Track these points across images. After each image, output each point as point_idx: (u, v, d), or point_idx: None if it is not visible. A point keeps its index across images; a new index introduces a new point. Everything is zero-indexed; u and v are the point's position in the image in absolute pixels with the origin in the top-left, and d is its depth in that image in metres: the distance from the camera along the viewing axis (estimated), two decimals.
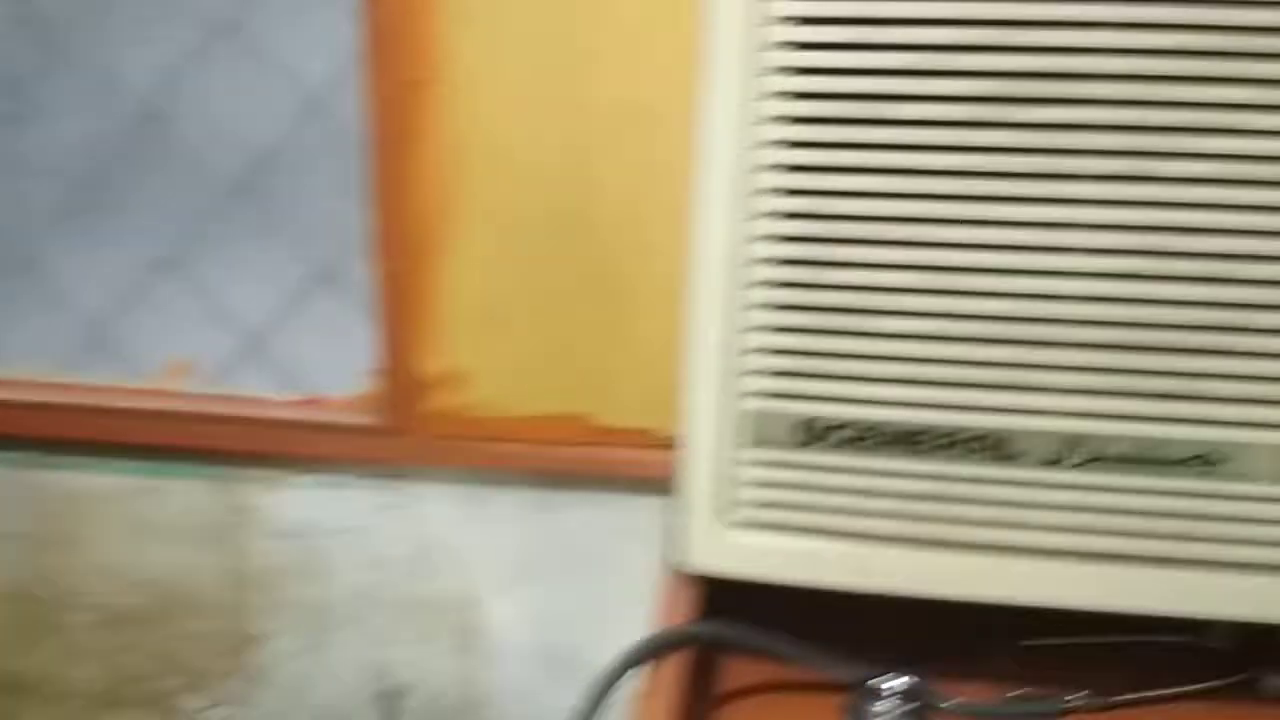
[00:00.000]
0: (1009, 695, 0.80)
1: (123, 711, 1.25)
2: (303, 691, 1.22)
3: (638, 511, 1.09)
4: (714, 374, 0.78)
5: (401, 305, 1.07)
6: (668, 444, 0.83)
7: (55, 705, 1.26)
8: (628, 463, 1.06)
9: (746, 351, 0.76)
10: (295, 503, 1.16)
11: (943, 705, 0.76)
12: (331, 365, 1.14)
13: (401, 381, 1.09)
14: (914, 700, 0.75)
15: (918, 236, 0.72)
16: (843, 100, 0.69)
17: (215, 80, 1.07)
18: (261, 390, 1.15)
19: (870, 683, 0.75)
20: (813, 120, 0.71)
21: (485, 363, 1.07)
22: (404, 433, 1.10)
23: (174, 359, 1.16)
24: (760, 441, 0.78)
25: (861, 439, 0.77)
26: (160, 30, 1.05)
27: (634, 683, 0.76)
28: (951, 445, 0.76)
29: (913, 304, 0.74)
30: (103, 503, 1.19)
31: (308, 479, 1.16)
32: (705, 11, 0.70)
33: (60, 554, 1.21)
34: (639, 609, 1.01)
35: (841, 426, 0.77)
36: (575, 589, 1.14)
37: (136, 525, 1.19)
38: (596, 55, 0.94)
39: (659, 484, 0.95)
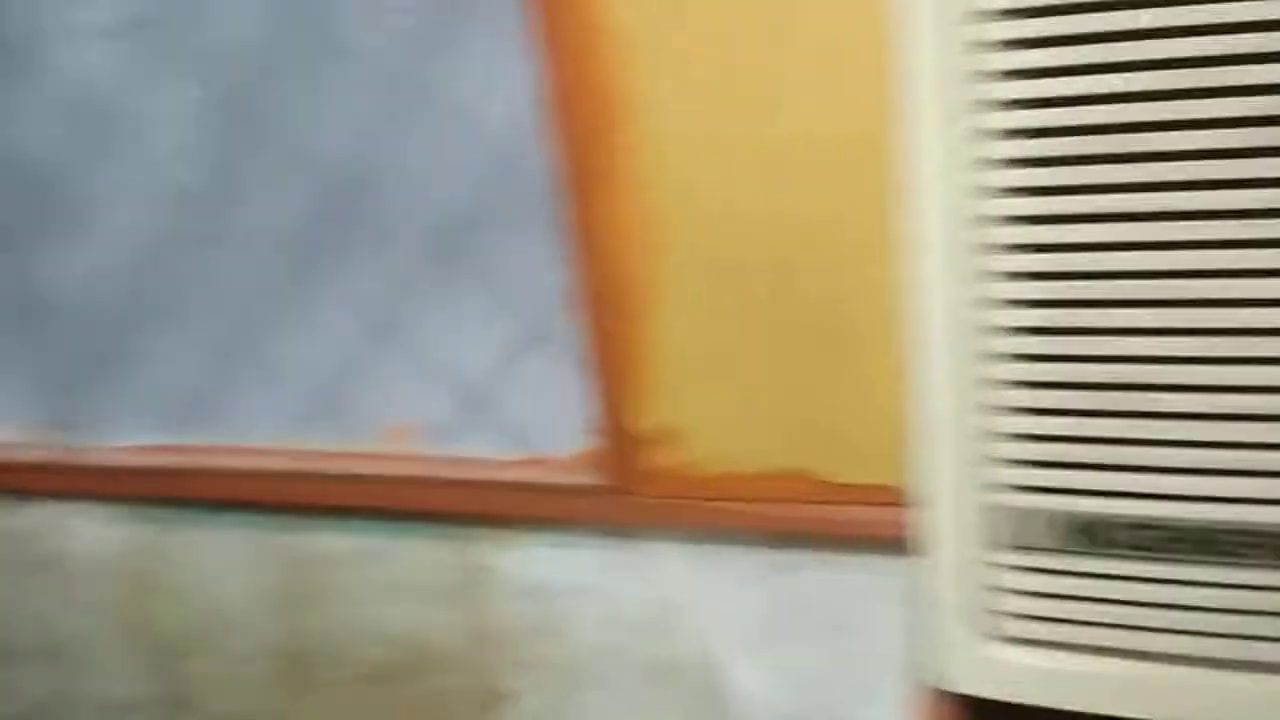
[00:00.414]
0: None
1: None
2: None
3: (881, 572, 0.96)
4: (953, 462, 0.65)
5: (612, 360, 0.99)
6: (908, 501, 0.71)
7: None
8: (865, 522, 0.94)
9: (993, 437, 0.63)
10: (528, 562, 1.13)
11: None
12: (550, 422, 1.08)
13: (619, 439, 1.02)
14: None
15: (1200, 293, 0.56)
16: (1083, 134, 0.54)
17: (406, 143, 1.02)
18: (484, 450, 1.11)
19: None
20: (1049, 161, 0.56)
21: (702, 418, 0.98)
22: (627, 492, 1.03)
23: (396, 423, 1.14)
24: (1020, 543, 0.64)
25: (1146, 540, 0.62)
26: (346, 99, 1.02)
27: None
28: (1259, 547, 0.59)
29: (1204, 375, 0.58)
30: (345, 564, 1.20)
31: (538, 538, 1.11)
32: (903, 34, 0.56)
33: (314, 614, 1.24)
34: (887, 674, 0.90)
35: (1120, 525, 0.62)
36: (820, 652, 1.03)
37: (379, 585, 1.20)
38: (788, 89, 0.81)
39: (902, 544, 0.83)
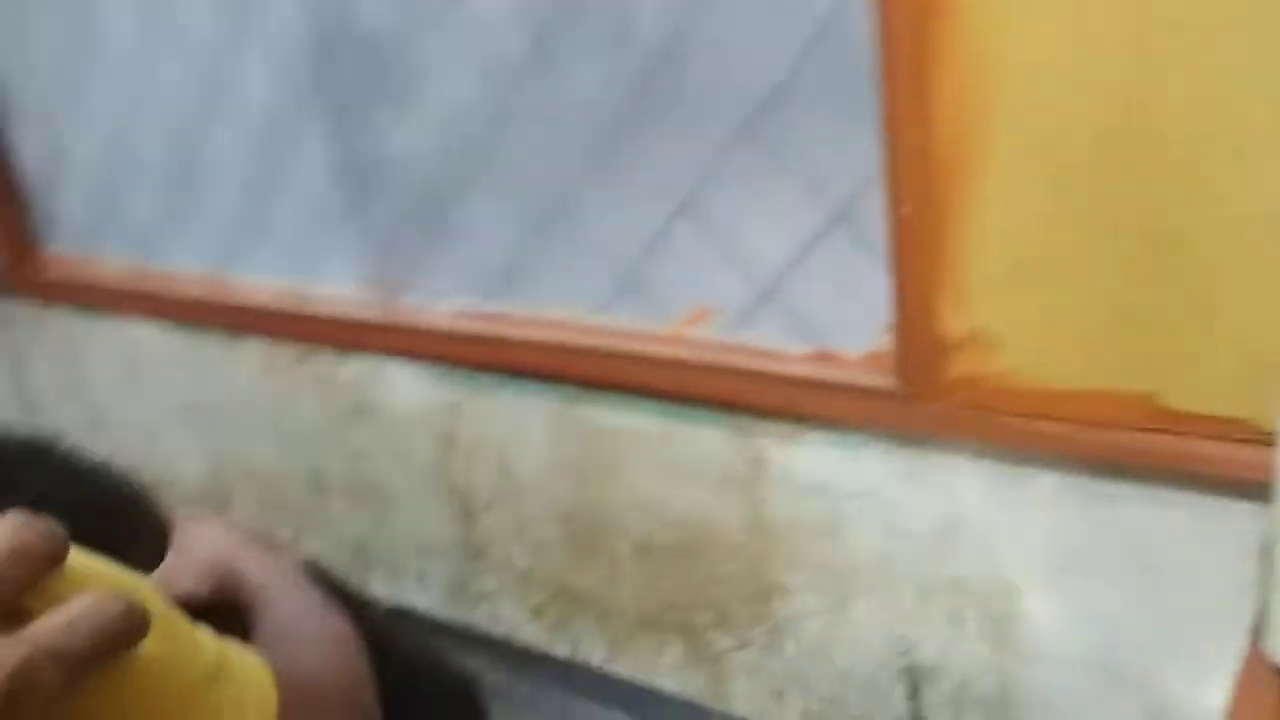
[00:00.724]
0: None
1: (658, 635, 1.30)
2: (825, 651, 1.17)
3: (1218, 517, 0.86)
4: None
5: (920, 253, 0.92)
6: (1266, 440, 0.62)
7: (602, 618, 1.35)
8: (1208, 457, 0.83)
9: None
10: (811, 460, 1.09)
11: None
12: (846, 316, 1.03)
13: (920, 341, 0.95)
14: None
15: None
16: None
17: (722, 17, 0.98)
18: (775, 341, 1.08)
19: None
20: None
21: (1021, 324, 0.89)
22: (925, 398, 0.97)
23: (695, 305, 1.13)
24: None
25: None
26: None
27: None
28: None
29: None
30: (634, 441, 1.22)
31: (823, 437, 1.08)
32: None
33: (601, 486, 1.27)
34: (1209, 634, 0.81)
35: None
36: (1134, 595, 0.94)
37: (663, 465, 1.21)
38: None
39: (1253, 487, 0.74)
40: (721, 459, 1.16)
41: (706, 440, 1.16)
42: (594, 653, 1.38)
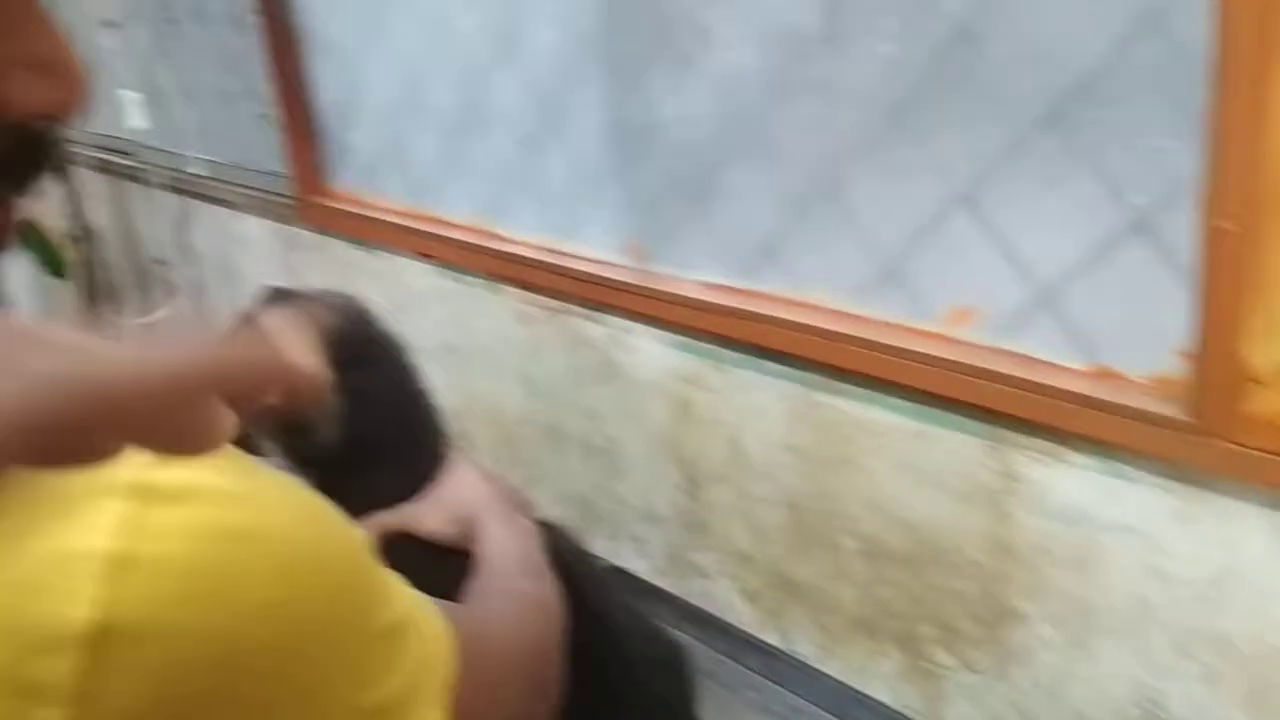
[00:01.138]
0: None
1: (875, 641, 1.26)
2: (1058, 688, 1.09)
3: None
4: None
5: (1231, 274, 0.83)
6: None
7: (818, 613, 1.31)
8: None
9: None
10: (1072, 483, 1.02)
11: None
12: (1131, 334, 0.95)
13: (1219, 370, 0.86)
14: None
15: None
16: None
17: None
18: (1047, 351, 1.01)
19: None
20: None
21: None
22: (1216, 434, 0.88)
23: (960, 304, 1.07)
24: None
25: None
26: None
27: None
28: None
29: None
30: (875, 436, 1.17)
31: (1088, 460, 1.00)
32: None
33: (834, 476, 1.23)
34: None
35: None
36: None
37: (904, 465, 1.15)
38: None
39: None
40: (971, 468, 1.09)
41: (957, 446, 1.10)
42: (805, 647, 1.35)
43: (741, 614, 1.42)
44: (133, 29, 2.20)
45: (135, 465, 0.36)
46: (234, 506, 0.39)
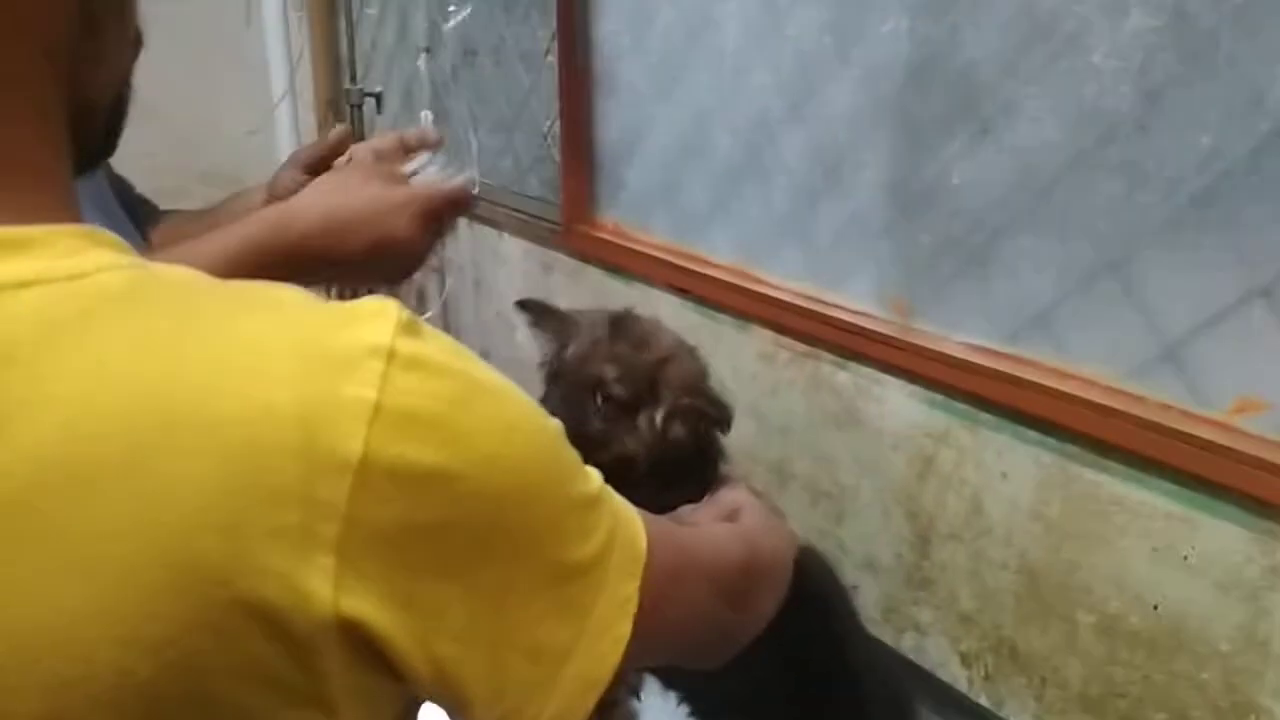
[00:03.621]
0: None
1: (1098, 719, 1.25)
2: None
3: None
4: None
5: None
6: None
7: (1040, 685, 1.32)
8: None
9: None
10: None
11: None
12: None
13: None
14: None
15: None
16: None
17: None
18: None
19: None
20: None
21: None
22: None
23: (1245, 394, 1.08)
24: None
25: None
26: None
27: None
28: None
29: None
30: (1132, 515, 1.18)
31: None
32: None
33: (1080, 549, 1.24)
34: None
35: None
36: None
37: (1162, 549, 1.16)
38: None
39: None
40: (1233, 559, 1.10)
41: (1221, 535, 1.10)
42: (1019, 716, 1.35)
43: (956, 675, 1.43)
44: (437, 56, 2.42)
45: (386, 330, 0.45)
46: (469, 377, 0.48)
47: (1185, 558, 1.14)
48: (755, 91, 1.62)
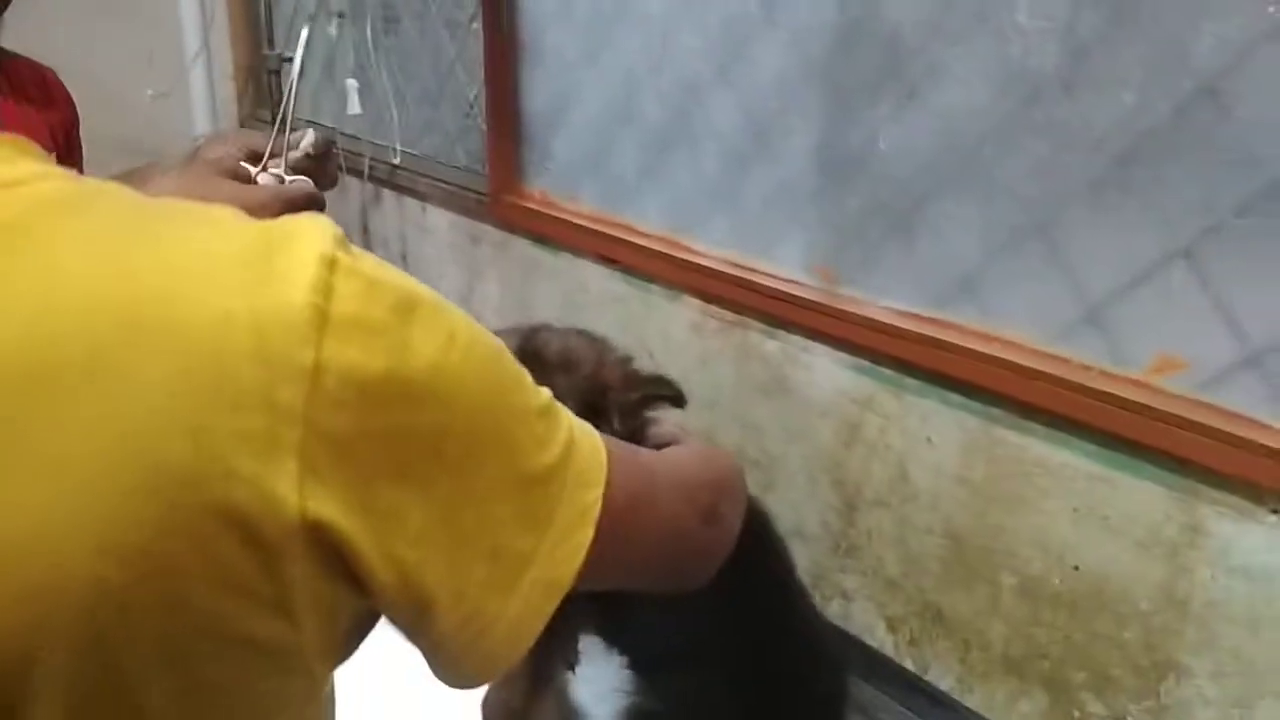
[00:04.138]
0: None
1: (1021, 681, 1.26)
2: None
3: None
4: None
5: None
6: None
7: (964, 647, 1.33)
8: None
9: None
10: (1261, 542, 1.02)
11: None
12: None
13: None
14: None
15: None
16: None
17: None
18: (1251, 409, 1.02)
19: None
20: None
21: None
22: None
23: (1165, 354, 1.09)
24: None
25: None
26: (1236, 4, 0.96)
27: None
28: None
29: None
30: (1055, 476, 1.19)
31: (1277, 519, 1.01)
32: None
33: (1003, 512, 1.25)
34: None
35: None
36: None
37: (1084, 510, 1.17)
38: None
39: None
40: (1152, 518, 1.11)
41: (1141, 495, 1.11)
42: (945, 679, 1.36)
43: (883, 640, 1.43)
44: (357, 22, 2.36)
45: (326, 242, 0.45)
46: (405, 287, 0.48)
47: (1106, 518, 1.15)
48: (683, 55, 1.59)
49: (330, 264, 0.45)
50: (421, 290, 0.50)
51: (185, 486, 0.42)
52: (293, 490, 0.43)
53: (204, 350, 0.42)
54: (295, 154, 0.83)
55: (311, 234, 0.47)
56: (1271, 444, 1.00)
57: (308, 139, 0.83)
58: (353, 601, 0.48)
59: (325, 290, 0.45)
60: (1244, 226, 1.01)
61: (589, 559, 0.55)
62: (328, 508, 0.44)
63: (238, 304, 0.43)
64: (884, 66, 1.30)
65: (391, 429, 0.46)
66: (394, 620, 0.52)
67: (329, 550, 0.45)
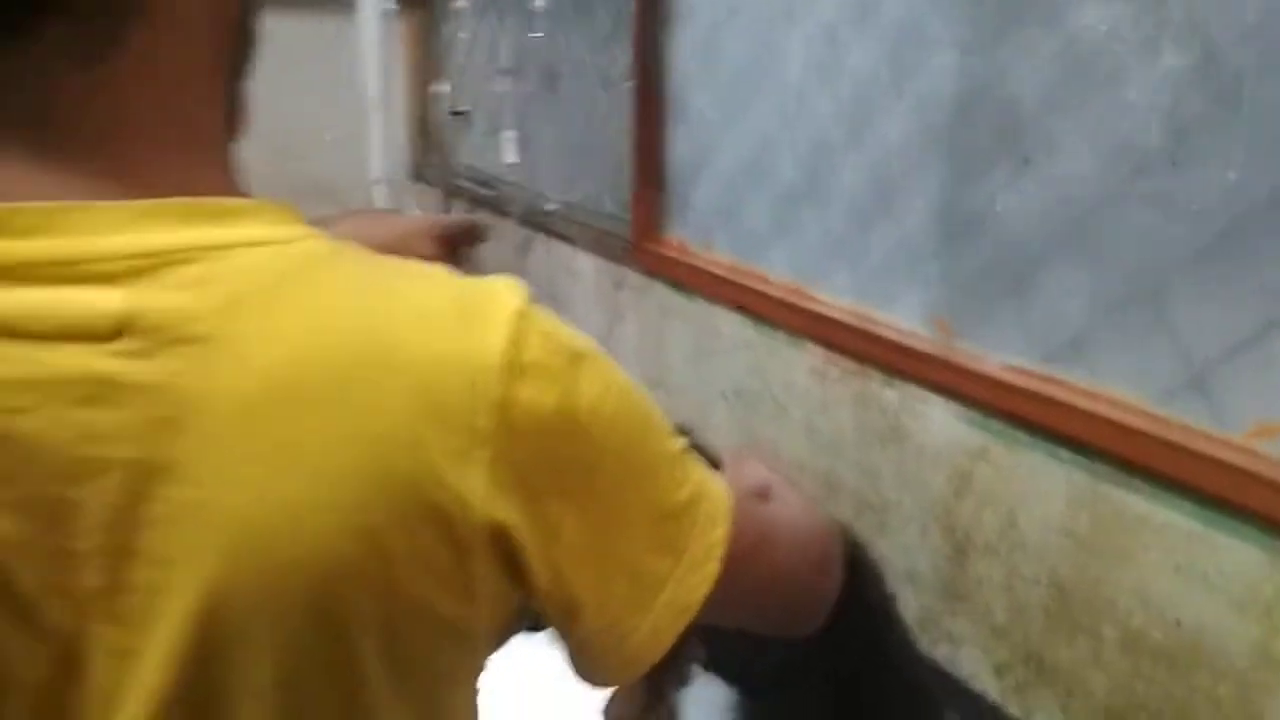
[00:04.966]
0: None
1: None
2: None
3: None
4: None
5: None
6: None
7: (1066, 697, 1.36)
8: None
9: None
10: None
11: None
12: None
13: None
14: None
15: None
16: None
17: None
18: None
19: None
20: None
21: None
22: None
23: (1266, 420, 1.13)
24: None
25: None
26: None
27: None
28: None
29: None
30: (1157, 534, 1.23)
31: None
32: None
33: (1107, 567, 1.29)
34: None
35: None
36: None
37: (1183, 567, 1.21)
38: None
39: None
40: (1250, 578, 1.14)
41: (1239, 554, 1.15)
42: None
43: (988, 685, 1.48)
44: (520, 77, 2.54)
45: (518, 300, 0.59)
46: (577, 344, 0.61)
47: (1205, 575, 1.18)
48: (816, 119, 1.70)
49: (521, 317, 0.58)
50: (590, 345, 0.63)
51: (406, 488, 0.55)
52: (479, 497, 0.56)
53: (425, 384, 0.56)
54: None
55: (508, 293, 0.60)
56: None
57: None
58: (516, 596, 0.61)
59: (517, 341, 0.58)
60: None
61: (715, 589, 0.66)
62: (506, 514, 0.56)
63: (452, 348, 0.57)
64: (1001, 135, 1.37)
65: (557, 456, 0.59)
66: (548, 617, 0.64)
67: (504, 550, 0.57)
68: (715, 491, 0.70)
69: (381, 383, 0.56)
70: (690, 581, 0.66)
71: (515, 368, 0.58)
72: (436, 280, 0.62)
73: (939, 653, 1.56)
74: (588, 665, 0.66)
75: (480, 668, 0.65)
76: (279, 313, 0.56)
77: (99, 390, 0.54)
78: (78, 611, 0.56)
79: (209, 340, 0.54)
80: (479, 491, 0.56)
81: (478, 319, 0.59)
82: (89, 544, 0.55)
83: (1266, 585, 1.13)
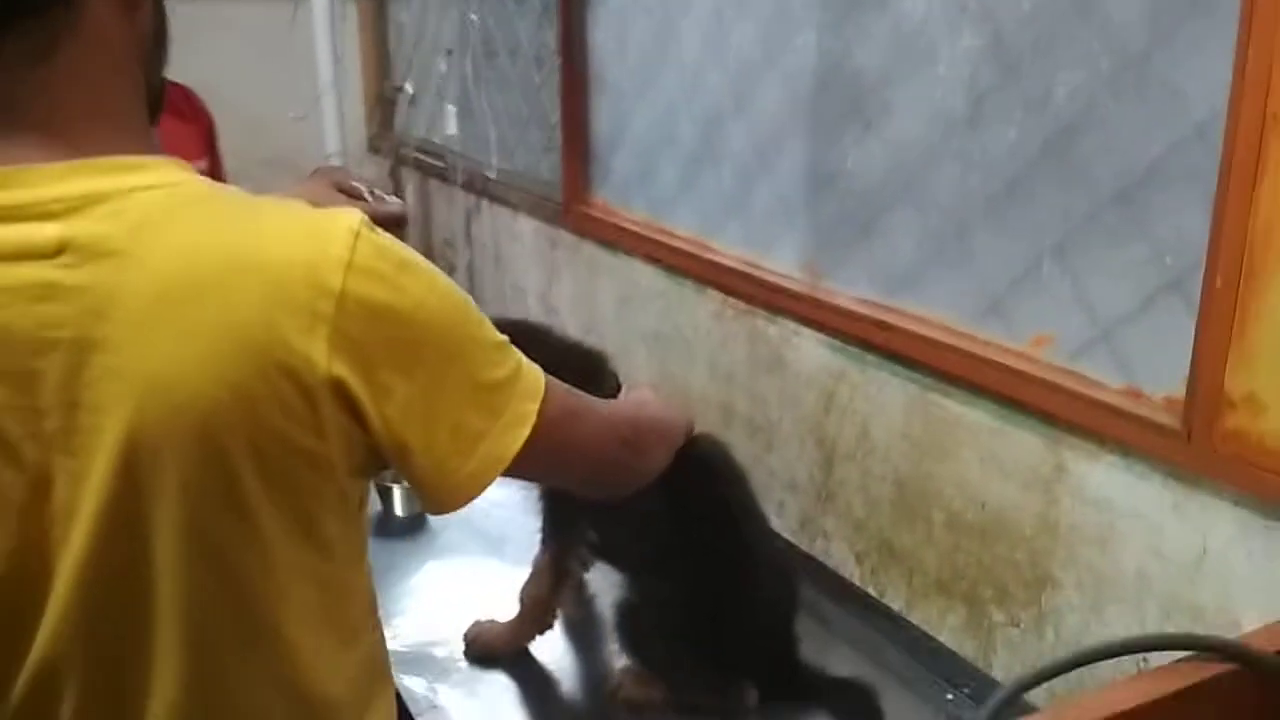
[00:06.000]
0: None
1: (948, 599, 1.56)
2: (1077, 644, 1.37)
3: None
4: None
5: (1220, 323, 1.13)
6: None
7: (908, 574, 1.63)
8: None
9: None
10: (1103, 477, 1.31)
11: None
12: (1159, 364, 1.24)
13: (1205, 394, 1.15)
14: None
15: None
16: None
17: (1122, 107, 1.24)
18: (1098, 373, 1.31)
19: None
20: None
21: None
22: (1200, 444, 1.17)
23: (1041, 332, 1.39)
24: None
25: None
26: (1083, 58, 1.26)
27: None
28: None
29: None
30: (968, 431, 1.49)
31: (1117, 460, 1.29)
32: None
33: (934, 461, 1.55)
34: None
35: None
36: None
37: (987, 456, 1.47)
38: None
39: None
40: (1032, 460, 1.40)
41: (1024, 443, 1.41)
42: (895, 601, 1.66)
43: (851, 571, 1.75)
44: (460, 56, 2.77)
45: (356, 222, 0.78)
46: (405, 254, 0.82)
47: (1002, 463, 1.45)
48: (710, 91, 1.94)
49: (357, 234, 0.80)
50: (417, 257, 0.84)
51: (264, 352, 0.76)
52: (323, 358, 0.77)
53: (279, 280, 0.76)
54: (381, 208, 1.17)
55: (347, 217, 0.81)
56: (1106, 400, 1.28)
57: (393, 205, 1.18)
58: (361, 437, 0.82)
59: (351, 248, 0.79)
60: (1092, 229, 1.31)
61: (526, 448, 0.87)
62: (344, 374, 0.77)
63: (301, 254, 0.78)
64: (850, 104, 1.62)
65: (387, 337, 0.79)
66: (386, 456, 0.85)
67: (345, 400, 0.78)
68: (532, 374, 0.90)
69: (246, 280, 0.75)
70: (505, 439, 0.86)
71: (350, 267, 0.77)
72: (293, 209, 0.80)
73: (816, 548, 1.82)
74: (423, 495, 0.87)
75: (347, 495, 0.86)
76: (171, 233, 0.75)
77: (48, 291, 0.74)
78: (45, 448, 0.76)
79: (123, 254, 0.74)
80: (321, 354, 0.75)
81: (322, 235, 0.77)
82: (50, 400, 0.75)
83: (1044, 466, 1.39)
